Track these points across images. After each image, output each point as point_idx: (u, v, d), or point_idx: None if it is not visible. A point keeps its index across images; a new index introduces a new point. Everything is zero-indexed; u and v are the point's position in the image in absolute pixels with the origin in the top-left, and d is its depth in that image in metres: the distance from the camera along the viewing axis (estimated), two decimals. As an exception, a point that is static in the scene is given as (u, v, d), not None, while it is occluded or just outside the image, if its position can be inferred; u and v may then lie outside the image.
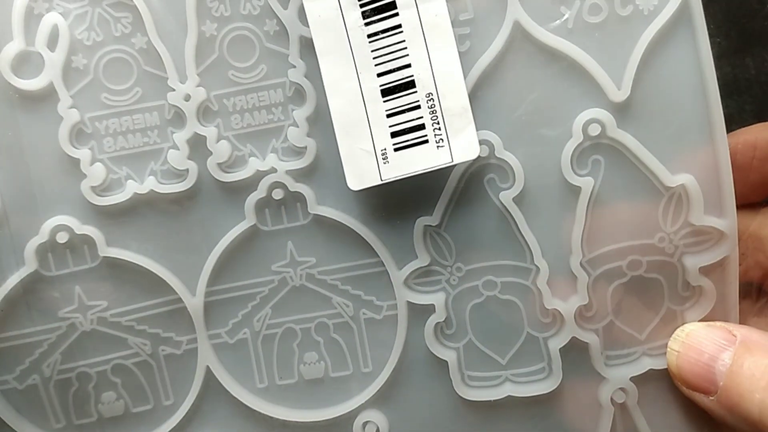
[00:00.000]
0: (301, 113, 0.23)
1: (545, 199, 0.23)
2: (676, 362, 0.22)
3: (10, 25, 0.23)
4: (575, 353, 0.23)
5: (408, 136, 0.22)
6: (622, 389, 0.23)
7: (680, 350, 0.22)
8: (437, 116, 0.22)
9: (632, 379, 0.23)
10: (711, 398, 0.21)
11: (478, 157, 0.22)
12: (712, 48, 0.21)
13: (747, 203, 0.25)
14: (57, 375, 0.24)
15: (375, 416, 0.24)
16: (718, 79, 0.21)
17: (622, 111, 0.22)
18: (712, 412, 0.21)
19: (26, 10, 0.23)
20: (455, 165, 0.22)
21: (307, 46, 0.23)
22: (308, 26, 0.22)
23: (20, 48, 0.23)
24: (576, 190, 0.22)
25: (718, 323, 0.22)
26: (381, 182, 0.22)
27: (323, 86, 0.22)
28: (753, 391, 0.20)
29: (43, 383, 0.24)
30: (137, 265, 0.24)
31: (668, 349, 0.23)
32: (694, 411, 0.23)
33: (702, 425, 0.24)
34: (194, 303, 0.24)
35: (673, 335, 0.23)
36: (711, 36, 0.21)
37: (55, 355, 0.24)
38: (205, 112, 0.24)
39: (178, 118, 0.24)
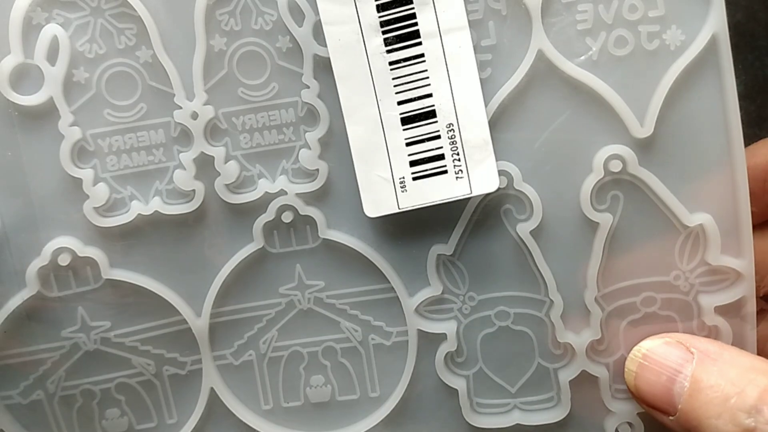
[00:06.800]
0: (313, 135, 0.23)
1: (562, 232, 0.22)
2: (635, 383, 0.21)
3: (7, 37, 0.21)
4: (584, 385, 0.23)
5: (427, 165, 0.22)
6: (628, 423, 0.23)
7: (637, 371, 0.21)
8: (457, 147, 0.21)
9: (639, 414, 0.23)
10: (671, 418, 0.20)
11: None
12: (737, 87, 0.21)
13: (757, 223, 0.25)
14: (61, 391, 0.24)
15: (382, 440, 0.24)
16: (742, 118, 0.21)
17: (644, 147, 0.22)
18: (673, 430, 0.21)
19: (24, 20, 0.22)
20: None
21: (321, 66, 0.22)
22: (323, 45, 0.22)
23: (18, 61, 0.22)
24: (594, 226, 0.22)
25: (675, 338, 0.21)
26: (398, 210, 0.22)
27: (337, 108, 0.22)
28: (710, 417, 0.19)
29: (48, 399, 0.24)
30: (141, 287, 0.23)
31: (626, 369, 0.22)
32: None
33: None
34: (199, 324, 0.24)
35: (630, 354, 0.22)
36: (736, 75, 0.21)
37: (59, 372, 0.24)
38: (212, 131, 0.23)
39: (185, 136, 0.23)
